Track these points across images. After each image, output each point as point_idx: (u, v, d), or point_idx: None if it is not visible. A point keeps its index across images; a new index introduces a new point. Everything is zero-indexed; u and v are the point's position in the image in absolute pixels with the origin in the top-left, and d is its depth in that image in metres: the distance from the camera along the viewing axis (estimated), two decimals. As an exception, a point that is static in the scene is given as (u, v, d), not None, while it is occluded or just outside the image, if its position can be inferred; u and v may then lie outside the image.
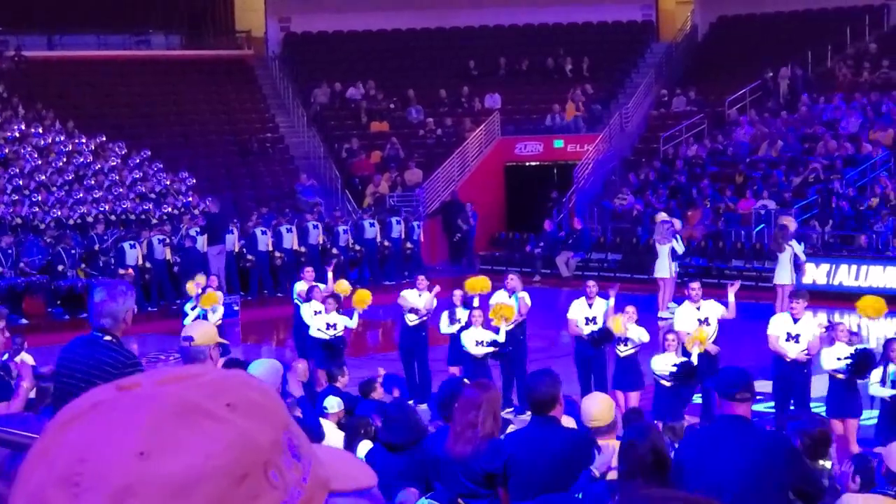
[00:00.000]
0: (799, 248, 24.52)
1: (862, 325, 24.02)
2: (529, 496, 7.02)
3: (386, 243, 32.25)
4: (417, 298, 18.68)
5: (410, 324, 18.61)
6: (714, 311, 16.01)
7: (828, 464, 8.29)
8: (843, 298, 26.78)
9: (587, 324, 16.70)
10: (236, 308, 26.67)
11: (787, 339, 14.84)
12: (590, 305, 16.87)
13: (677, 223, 27.26)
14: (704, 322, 15.57)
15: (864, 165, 32.12)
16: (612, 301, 16.65)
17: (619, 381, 15.91)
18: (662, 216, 27.58)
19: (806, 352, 14.58)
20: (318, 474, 1.42)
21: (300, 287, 20.19)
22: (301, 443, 1.41)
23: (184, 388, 1.36)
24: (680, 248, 26.61)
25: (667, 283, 25.90)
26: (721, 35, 43.15)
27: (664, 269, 26.00)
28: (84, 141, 33.97)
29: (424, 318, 18.54)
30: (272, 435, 1.37)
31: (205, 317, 19.01)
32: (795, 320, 14.89)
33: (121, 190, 31.97)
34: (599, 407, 7.98)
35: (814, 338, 14.70)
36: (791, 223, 25.15)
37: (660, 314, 25.13)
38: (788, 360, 14.64)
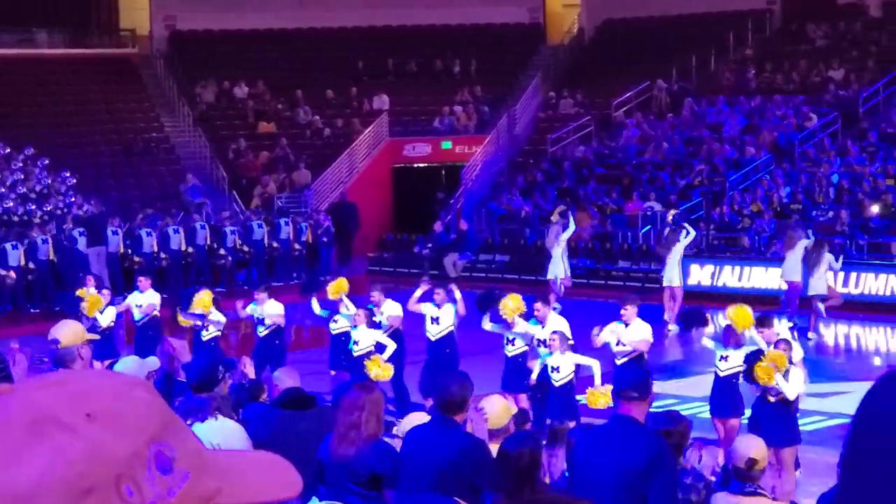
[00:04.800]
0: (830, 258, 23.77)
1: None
2: (419, 492, 7.00)
3: (275, 245, 32.03)
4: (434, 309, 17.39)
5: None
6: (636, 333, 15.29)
7: (690, 462, 8.39)
8: (727, 299, 27.15)
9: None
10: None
11: (617, 344, 14.90)
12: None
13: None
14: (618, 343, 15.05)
15: (748, 168, 32.59)
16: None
17: (508, 382, 15.75)
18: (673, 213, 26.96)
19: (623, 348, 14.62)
20: (199, 487, 1.36)
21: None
22: (180, 454, 1.35)
23: (45, 397, 1.31)
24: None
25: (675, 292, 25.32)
26: (607, 38, 43.52)
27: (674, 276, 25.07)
28: (-35, 140, 33.32)
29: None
30: (132, 447, 1.32)
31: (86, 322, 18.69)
32: (626, 325, 14.85)
33: (2, 190, 31.39)
34: (496, 409, 7.97)
35: (638, 340, 14.63)
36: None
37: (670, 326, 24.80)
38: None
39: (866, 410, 1.25)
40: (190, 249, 30.27)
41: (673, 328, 24.23)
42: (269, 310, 18.45)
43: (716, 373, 14.02)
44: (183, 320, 18.35)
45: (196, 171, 37.08)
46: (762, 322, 14.19)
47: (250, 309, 18.74)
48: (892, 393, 1.24)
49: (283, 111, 40.73)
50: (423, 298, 17.51)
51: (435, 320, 17.03)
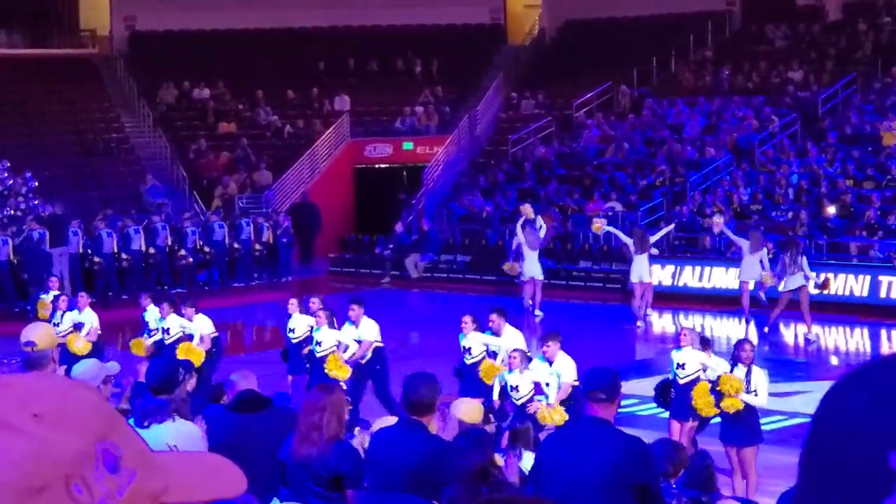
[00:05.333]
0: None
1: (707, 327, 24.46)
2: (386, 493, 7.00)
3: (236, 245, 31.96)
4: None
5: None
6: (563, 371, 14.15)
7: None
8: (688, 299, 27.33)
9: None
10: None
11: (538, 394, 13.84)
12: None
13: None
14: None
15: (708, 168, 32.74)
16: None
17: (465, 391, 15.55)
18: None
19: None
20: (145, 486, 1.37)
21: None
22: (127, 453, 1.35)
23: None
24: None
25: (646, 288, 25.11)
26: (568, 39, 43.64)
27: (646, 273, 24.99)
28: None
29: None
30: (80, 446, 1.32)
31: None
32: (550, 362, 13.89)
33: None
34: (468, 409, 7.97)
35: (565, 385, 13.70)
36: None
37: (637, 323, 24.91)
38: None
39: (826, 410, 1.25)
40: (151, 250, 30.17)
41: (642, 324, 24.53)
42: (201, 328, 17.35)
43: (675, 379, 14.02)
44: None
45: (156, 171, 36.94)
46: (704, 343, 14.15)
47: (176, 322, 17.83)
48: (852, 393, 1.24)
49: (243, 112, 40.64)
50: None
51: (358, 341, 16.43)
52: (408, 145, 39.64)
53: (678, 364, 13.92)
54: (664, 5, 40.90)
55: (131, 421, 7.73)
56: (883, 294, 25.59)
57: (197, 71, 40.83)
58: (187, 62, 40.93)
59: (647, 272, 24.80)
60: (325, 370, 15.39)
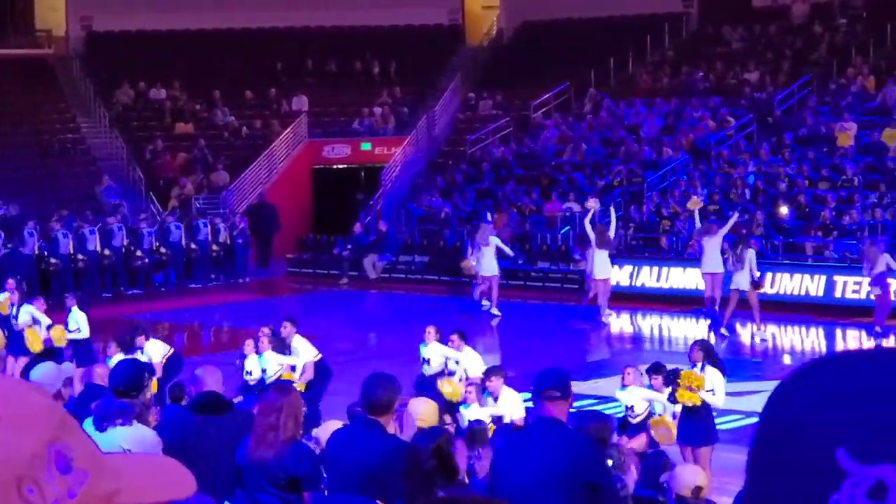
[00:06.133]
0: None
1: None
2: (343, 493, 7.00)
3: (192, 246, 31.84)
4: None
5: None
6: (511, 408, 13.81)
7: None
8: (646, 300, 27.44)
9: None
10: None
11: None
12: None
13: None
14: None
15: (665, 169, 32.87)
16: None
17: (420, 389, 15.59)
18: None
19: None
20: (97, 488, 1.37)
21: None
22: (78, 455, 1.35)
23: None
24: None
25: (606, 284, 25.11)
26: (526, 40, 43.70)
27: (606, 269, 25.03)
28: None
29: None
30: (31, 448, 1.31)
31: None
32: (495, 398, 13.66)
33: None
34: (424, 410, 7.98)
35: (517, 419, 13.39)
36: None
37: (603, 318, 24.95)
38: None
39: (773, 408, 1.25)
40: (106, 251, 30.02)
41: (609, 318, 24.64)
42: (152, 355, 16.54)
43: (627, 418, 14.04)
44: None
45: (112, 172, 36.74)
46: (655, 370, 14.03)
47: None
48: (799, 390, 1.24)
49: (200, 112, 40.48)
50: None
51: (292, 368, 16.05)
52: (366, 146, 39.61)
53: (626, 406, 13.90)
54: (621, 7, 41.05)
55: (88, 422, 7.71)
56: (838, 294, 25.77)
57: (153, 71, 40.63)
58: (144, 62, 40.73)
59: (606, 268, 24.88)
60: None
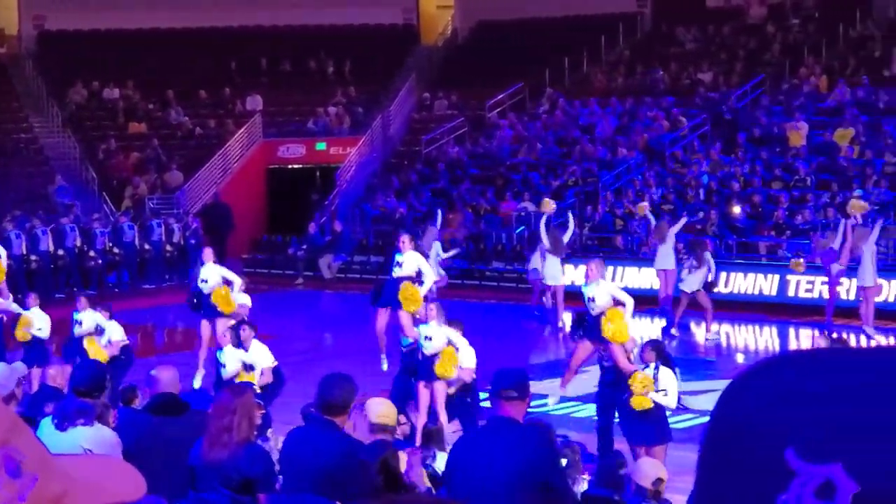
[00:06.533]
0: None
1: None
2: (298, 494, 6.98)
3: (146, 246, 31.68)
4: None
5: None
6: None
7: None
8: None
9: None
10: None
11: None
12: None
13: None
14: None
15: (620, 168, 32.98)
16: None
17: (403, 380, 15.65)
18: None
19: None
20: (46, 490, 1.36)
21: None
22: (28, 458, 1.34)
23: None
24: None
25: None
26: (481, 39, 43.73)
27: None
28: None
29: None
30: None
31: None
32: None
33: None
34: (381, 409, 7.97)
35: (464, 370, 14.63)
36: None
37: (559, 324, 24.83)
38: None
39: (723, 407, 1.26)
40: (60, 252, 29.83)
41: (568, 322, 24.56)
42: (111, 333, 17.11)
43: (588, 311, 14.66)
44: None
45: (65, 172, 36.51)
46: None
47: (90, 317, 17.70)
48: (749, 390, 1.25)
49: (154, 111, 40.28)
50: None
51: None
52: (321, 146, 39.53)
53: (589, 297, 14.56)
54: (576, 7, 41.16)
55: (47, 422, 7.65)
56: (791, 293, 25.92)
57: (107, 71, 40.41)
58: (97, 62, 40.50)
59: (558, 275, 24.83)
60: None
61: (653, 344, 13.36)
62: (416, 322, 15.78)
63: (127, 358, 17.12)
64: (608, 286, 14.94)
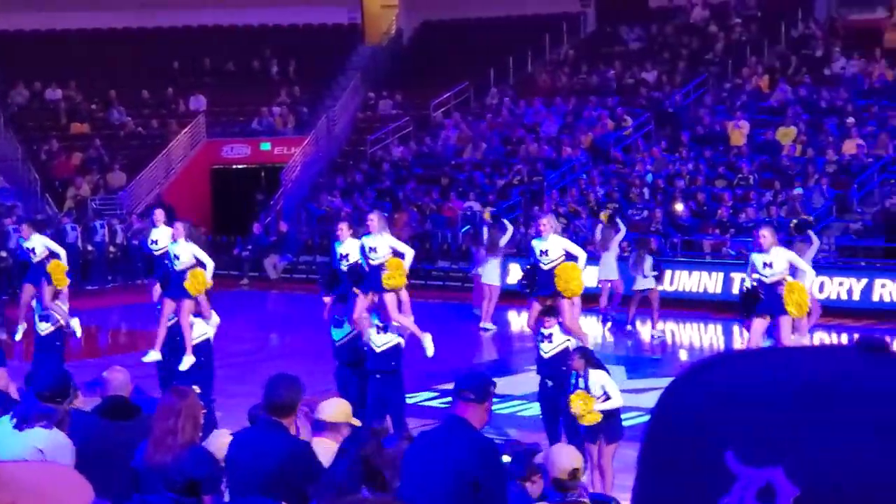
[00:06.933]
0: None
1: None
2: (246, 496, 6.94)
3: (89, 248, 31.45)
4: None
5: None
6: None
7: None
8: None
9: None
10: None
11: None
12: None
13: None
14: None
15: (564, 168, 33.07)
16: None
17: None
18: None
19: None
20: None
21: None
22: None
23: None
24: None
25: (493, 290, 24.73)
26: (426, 39, 43.73)
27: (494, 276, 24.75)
28: None
29: None
30: None
31: None
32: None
33: None
34: (333, 409, 7.95)
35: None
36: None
37: (482, 324, 24.66)
38: None
39: (663, 407, 1.25)
40: (2, 253, 29.56)
41: (491, 327, 24.39)
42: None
43: (538, 264, 14.79)
44: None
45: (7, 173, 36.19)
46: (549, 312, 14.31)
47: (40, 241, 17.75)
48: (688, 389, 1.24)
49: (96, 112, 40.00)
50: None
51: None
52: (265, 146, 39.39)
53: (541, 251, 14.71)
54: (520, 7, 41.20)
55: (4, 420, 7.57)
56: (735, 290, 25.98)
57: (49, 71, 40.04)
58: (39, 62, 40.12)
59: (495, 275, 24.78)
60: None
61: (581, 351, 13.07)
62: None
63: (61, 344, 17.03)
64: (560, 240, 15.06)
